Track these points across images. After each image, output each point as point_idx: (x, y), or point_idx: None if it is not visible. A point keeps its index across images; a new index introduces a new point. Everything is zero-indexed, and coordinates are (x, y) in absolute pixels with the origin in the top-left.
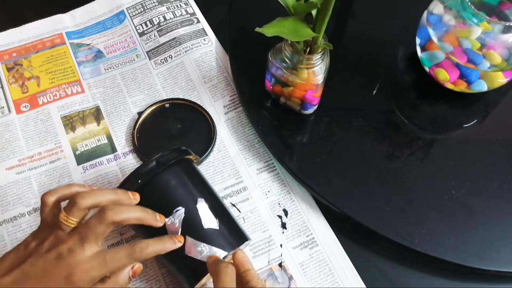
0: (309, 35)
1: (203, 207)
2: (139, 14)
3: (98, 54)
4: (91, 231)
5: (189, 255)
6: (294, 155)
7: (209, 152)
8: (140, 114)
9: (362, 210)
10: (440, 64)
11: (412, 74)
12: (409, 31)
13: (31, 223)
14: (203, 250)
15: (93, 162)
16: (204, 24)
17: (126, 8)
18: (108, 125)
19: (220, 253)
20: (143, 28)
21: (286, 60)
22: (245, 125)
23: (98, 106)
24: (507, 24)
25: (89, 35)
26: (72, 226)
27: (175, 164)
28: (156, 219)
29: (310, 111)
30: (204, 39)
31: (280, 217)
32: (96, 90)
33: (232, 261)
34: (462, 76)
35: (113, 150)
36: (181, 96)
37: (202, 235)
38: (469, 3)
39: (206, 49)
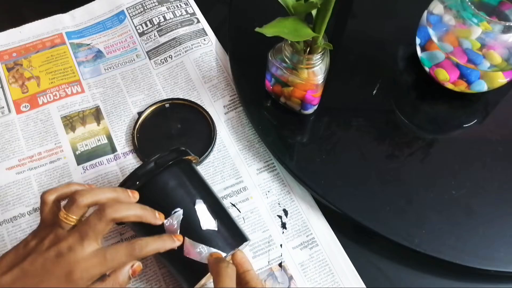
0: (309, 35)
1: (201, 208)
2: (139, 14)
3: (98, 54)
4: (90, 228)
5: (187, 256)
6: (294, 155)
7: (209, 152)
8: (140, 114)
9: (362, 210)
10: (440, 64)
11: (412, 74)
12: (409, 31)
13: (31, 223)
14: (202, 251)
15: (93, 162)
16: (204, 24)
17: (126, 8)
18: (108, 125)
19: (219, 254)
20: (143, 28)
21: (286, 60)
22: (245, 125)
23: (98, 106)
24: (507, 24)
25: (89, 35)
26: (72, 224)
27: (174, 165)
28: (155, 217)
29: (310, 111)
30: (204, 39)
31: (280, 217)
32: (96, 90)
33: (232, 261)
34: (462, 76)
35: (113, 150)
36: (181, 96)
37: (201, 236)
38: (469, 3)
39: (206, 49)
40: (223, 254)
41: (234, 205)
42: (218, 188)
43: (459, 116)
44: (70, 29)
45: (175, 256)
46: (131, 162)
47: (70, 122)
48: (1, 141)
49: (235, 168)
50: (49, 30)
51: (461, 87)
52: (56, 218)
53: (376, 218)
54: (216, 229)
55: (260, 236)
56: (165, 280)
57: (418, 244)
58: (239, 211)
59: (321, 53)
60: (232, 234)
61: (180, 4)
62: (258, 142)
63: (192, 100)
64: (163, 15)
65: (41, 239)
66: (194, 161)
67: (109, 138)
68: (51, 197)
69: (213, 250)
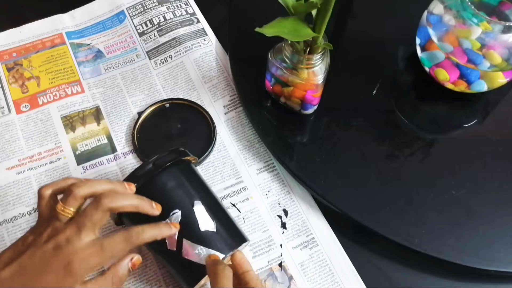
0: (309, 35)
1: (200, 210)
2: (139, 14)
3: (98, 54)
4: (87, 219)
5: (186, 258)
6: (294, 155)
7: (209, 152)
8: (140, 114)
9: (362, 210)
10: (440, 64)
11: (412, 74)
12: (409, 31)
13: (31, 223)
14: (200, 253)
15: (93, 162)
16: (204, 24)
17: (126, 8)
18: (108, 125)
19: (218, 255)
20: (143, 28)
21: (286, 60)
22: (245, 125)
23: (98, 106)
24: (507, 24)
25: (89, 35)
26: (69, 216)
27: (173, 165)
28: (152, 207)
29: (310, 111)
30: (204, 39)
31: (280, 217)
32: (96, 90)
33: (230, 262)
34: (462, 76)
35: (113, 150)
36: (181, 96)
37: (200, 237)
38: (469, 3)
39: (206, 49)
40: (222, 255)
41: (234, 205)
42: (218, 188)
43: (459, 116)
44: (70, 29)
45: (174, 257)
46: (131, 162)
47: (70, 122)
48: (1, 141)
49: (235, 168)
50: (49, 30)
51: (461, 87)
52: (54, 211)
53: (376, 218)
54: (215, 230)
55: (260, 236)
56: (165, 280)
57: (418, 244)
58: (239, 211)
59: (321, 53)
60: (231, 235)
61: (180, 4)
62: (258, 142)
63: (192, 100)
64: (163, 15)
65: (39, 234)
66: (193, 162)
67: (109, 138)
68: (48, 191)
69: (212, 251)
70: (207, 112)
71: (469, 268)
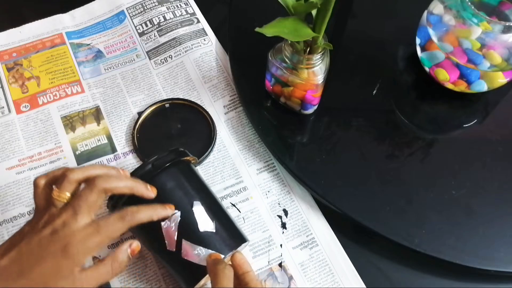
0: (309, 35)
1: (199, 210)
2: (139, 14)
3: (98, 54)
4: (83, 201)
5: (186, 258)
6: (294, 155)
7: (209, 152)
8: (140, 114)
9: (362, 210)
10: (440, 64)
11: (412, 74)
12: (409, 31)
13: None
14: (200, 253)
15: (93, 162)
16: (204, 24)
17: (126, 8)
18: (108, 125)
19: (218, 255)
20: (143, 28)
21: (286, 60)
22: (245, 125)
23: (98, 106)
24: (507, 24)
25: (89, 35)
26: (65, 201)
27: (172, 166)
28: (147, 189)
29: (310, 111)
30: (204, 39)
31: (280, 217)
32: (96, 90)
33: (230, 263)
34: (462, 76)
35: (113, 150)
36: (181, 96)
37: (199, 238)
38: (469, 3)
39: (206, 49)
40: (222, 256)
41: (234, 205)
42: (218, 188)
43: (459, 116)
44: (70, 29)
45: (174, 258)
46: (131, 162)
47: (70, 122)
48: (1, 141)
49: (235, 168)
50: (49, 30)
51: (461, 87)
52: (49, 199)
53: (376, 218)
54: (214, 230)
55: (260, 236)
56: (165, 280)
57: (418, 244)
58: (239, 211)
59: (321, 53)
60: (230, 235)
61: (180, 4)
62: (258, 142)
63: (192, 100)
64: (163, 15)
65: (36, 222)
66: (193, 162)
67: (109, 138)
68: (42, 181)
69: (211, 252)
70: (207, 112)
71: (469, 268)
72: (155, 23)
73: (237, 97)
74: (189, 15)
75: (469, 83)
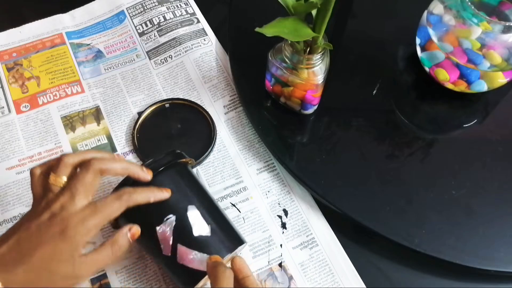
0: (309, 35)
1: (194, 214)
2: (139, 14)
3: (98, 54)
4: (79, 182)
5: (181, 263)
6: (294, 155)
7: (209, 152)
8: (140, 114)
9: (362, 210)
10: (440, 64)
11: (412, 74)
12: (409, 31)
13: None
14: (195, 258)
15: None
16: (204, 24)
17: (126, 8)
18: (108, 125)
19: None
20: (143, 28)
21: (286, 60)
22: (245, 125)
23: (98, 106)
24: (507, 24)
25: (89, 35)
26: (61, 185)
27: (168, 169)
28: (142, 170)
29: (310, 111)
30: (204, 39)
31: (280, 217)
32: (96, 90)
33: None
34: (462, 76)
35: (113, 150)
36: (181, 96)
37: (194, 242)
38: (469, 3)
39: (206, 49)
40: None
41: (234, 205)
42: (218, 188)
43: (459, 116)
44: (70, 29)
45: (170, 262)
46: None
47: (70, 122)
48: (1, 141)
49: (235, 168)
50: (49, 30)
51: (461, 87)
52: (46, 185)
53: (376, 218)
54: (209, 234)
55: (260, 236)
56: (165, 280)
57: (418, 244)
58: (239, 211)
59: (321, 53)
60: (228, 237)
61: (180, 4)
62: (258, 142)
63: (192, 100)
64: (163, 15)
65: (34, 210)
66: (189, 163)
67: (109, 138)
68: (39, 170)
69: (206, 256)
70: (207, 112)
71: (469, 268)
72: (155, 23)
73: (237, 97)
74: (189, 15)
75: (469, 83)
